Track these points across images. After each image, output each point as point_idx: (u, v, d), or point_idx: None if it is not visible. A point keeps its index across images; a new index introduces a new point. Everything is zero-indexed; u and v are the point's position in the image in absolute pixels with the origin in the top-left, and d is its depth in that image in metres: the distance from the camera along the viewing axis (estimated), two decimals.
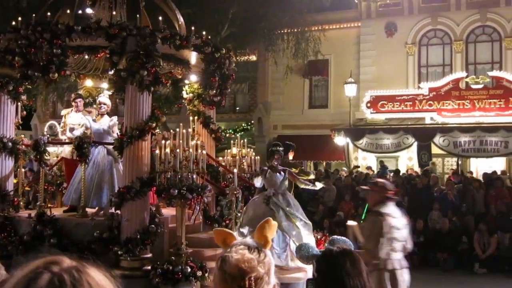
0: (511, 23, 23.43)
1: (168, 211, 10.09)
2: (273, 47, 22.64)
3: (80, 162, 9.44)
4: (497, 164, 22.63)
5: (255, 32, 21.59)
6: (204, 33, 9.77)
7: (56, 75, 8.80)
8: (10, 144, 9.57)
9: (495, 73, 22.52)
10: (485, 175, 19.18)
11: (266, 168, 9.68)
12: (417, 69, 24.89)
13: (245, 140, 11.48)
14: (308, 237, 9.28)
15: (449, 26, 24.43)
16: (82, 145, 9.22)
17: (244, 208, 9.60)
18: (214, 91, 9.97)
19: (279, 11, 20.88)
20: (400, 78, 24.48)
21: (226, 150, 11.30)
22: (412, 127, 22.30)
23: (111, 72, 9.21)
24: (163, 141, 8.84)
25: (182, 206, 8.51)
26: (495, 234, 15.04)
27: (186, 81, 10.69)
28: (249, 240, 2.48)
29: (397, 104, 23.39)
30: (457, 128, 21.59)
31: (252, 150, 12.36)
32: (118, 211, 8.92)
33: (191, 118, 10.68)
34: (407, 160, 23.74)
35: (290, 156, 10.53)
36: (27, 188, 11.13)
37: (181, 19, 10.33)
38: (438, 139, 21.61)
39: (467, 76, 22.81)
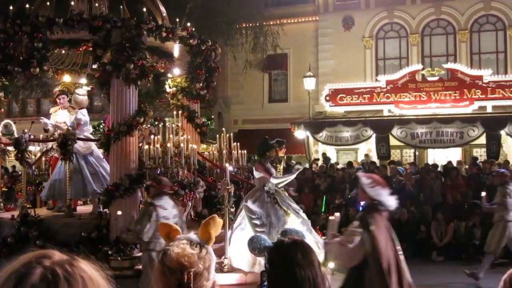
0: (465, 16, 23.92)
1: None
2: (231, 41, 22.59)
3: (64, 160, 9.13)
4: (453, 155, 23.12)
5: (213, 27, 21.49)
6: (189, 24, 9.55)
7: (38, 69, 8.47)
8: None
9: (450, 65, 22.95)
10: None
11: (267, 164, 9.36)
12: (374, 62, 25.19)
13: (231, 134, 11.26)
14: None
15: (405, 19, 24.79)
16: (66, 142, 8.90)
17: (242, 206, 9.34)
18: (201, 84, 9.81)
19: (237, 5, 20.85)
20: (358, 71, 24.74)
21: (211, 145, 11.07)
22: (371, 120, 22.59)
23: (95, 66, 8.95)
24: (152, 137, 8.67)
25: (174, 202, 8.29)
26: (452, 222, 15.36)
27: (169, 75, 10.51)
28: (192, 235, 2.45)
29: (355, 97, 23.64)
30: (414, 119, 21.95)
31: (212, 145, 12.23)
32: (106, 210, 8.73)
33: (174, 112, 10.43)
34: (366, 152, 24.03)
35: (281, 153, 10.25)
36: (4, 189, 10.75)
37: (164, 11, 10.04)
38: (396, 130, 21.95)
39: (423, 69, 23.16)
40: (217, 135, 10.88)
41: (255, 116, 25.85)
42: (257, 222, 9.08)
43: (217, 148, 10.56)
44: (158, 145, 8.58)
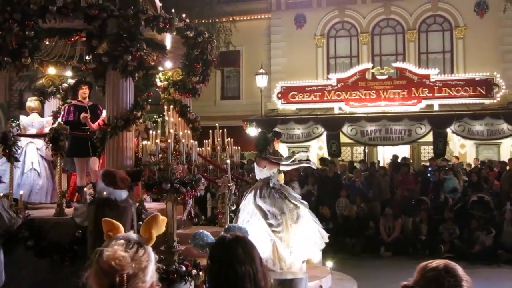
0: (413, 16, 24.46)
1: (151, 206, 9.58)
2: None
3: (55, 156, 8.71)
4: (402, 152, 23.62)
5: None
6: (184, 15, 9.22)
7: (29, 60, 8.01)
8: None
9: (399, 64, 23.40)
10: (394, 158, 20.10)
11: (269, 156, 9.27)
12: (325, 60, 25.48)
13: (225, 130, 11.02)
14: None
15: (355, 18, 25.17)
16: (58, 137, 8.47)
17: (244, 203, 9.16)
18: (198, 78, 9.54)
19: (188, 1, 20.76)
20: (309, 69, 24.97)
21: (204, 141, 10.81)
22: (322, 117, 22.84)
23: (88, 57, 8.54)
24: (151, 132, 8.43)
25: (174, 200, 7.99)
26: (399, 218, 15.73)
27: (160, 68, 10.16)
28: (132, 234, 2.48)
29: (307, 95, 23.85)
30: (364, 117, 22.33)
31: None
32: None
33: (165, 107, 10.02)
34: (317, 150, 24.34)
35: (277, 145, 9.97)
36: None
37: (158, 1, 9.59)
38: (346, 128, 22.27)
39: (372, 67, 23.53)
40: (210, 131, 10.80)
41: (208, 113, 25.53)
42: (273, 222, 8.95)
43: (210, 144, 10.46)
44: (158, 141, 8.23)
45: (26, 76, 24.96)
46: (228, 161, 9.04)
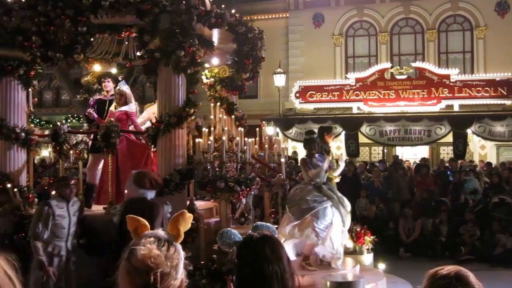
0: (433, 16, 24.30)
1: (199, 205, 9.22)
2: None
3: (107, 153, 8.47)
4: (421, 152, 23.50)
5: None
6: (233, 11, 9.12)
7: (82, 56, 7.93)
8: (23, 134, 8.50)
9: (418, 64, 23.25)
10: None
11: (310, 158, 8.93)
12: (344, 60, 25.34)
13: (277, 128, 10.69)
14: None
15: (374, 18, 25.02)
16: (109, 134, 8.24)
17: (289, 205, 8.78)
18: (248, 74, 9.37)
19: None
20: (328, 69, 24.83)
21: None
22: (340, 117, 22.69)
23: (139, 54, 8.35)
24: (205, 129, 8.21)
25: (227, 199, 7.91)
26: (419, 219, 15.55)
27: (206, 65, 9.94)
28: (160, 232, 2.43)
29: (325, 94, 23.71)
30: (383, 117, 22.19)
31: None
32: None
33: (212, 104, 9.91)
34: (335, 149, 24.13)
35: (330, 140, 9.66)
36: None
37: None
38: (364, 128, 22.12)
39: (391, 67, 23.39)
40: (256, 129, 10.54)
41: None
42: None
43: (257, 142, 10.14)
44: (212, 138, 8.08)
45: (46, 75, 24.86)
46: (283, 160, 8.82)
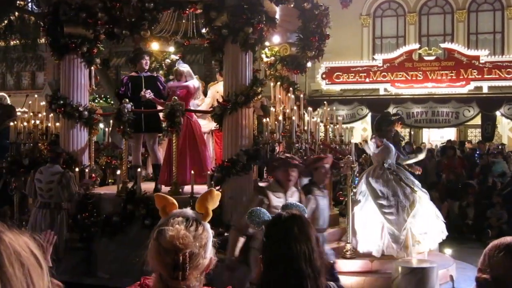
0: None
1: None
2: None
3: (171, 133, 8.30)
4: (448, 134, 23.28)
5: None
6: None
7: (149, 33, 7.80)
8: (86, 113, 8.44)
9: (447, 45, 22.90)
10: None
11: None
12: (371, 41, 25.00)
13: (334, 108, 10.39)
14: None
15: None
16: (174, 113, 8.05)
17: (360, 185, 8.72)
18: (313, 52, 9.14)
19: None
20: (355, 50, 24.48)
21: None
22: (367, 98, 22.47)
23: (204, 31, 8.19)
24: (272, 109, 7.98)
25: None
26: (446, 202, 15.40)
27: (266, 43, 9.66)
28: (189, 211, 2.45)
29: (352, 75, 23.43)
30: (410, 99, 21.96)
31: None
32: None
33: (272, 84, 9.63)
34: (361, 131, 23.95)
35: (399, 128, 9.53)
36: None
37: None
38: (391, 110, 21.82)
39: (420, 48, 23.07)
40: (318, 110, 10.28)
41: None
42: (384, 202, 8.58)
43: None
44: (280, 118, 7.85)
45: (40, 57, 24.59)
46: (353, 141, 8.60)
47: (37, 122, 8.56)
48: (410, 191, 8.68)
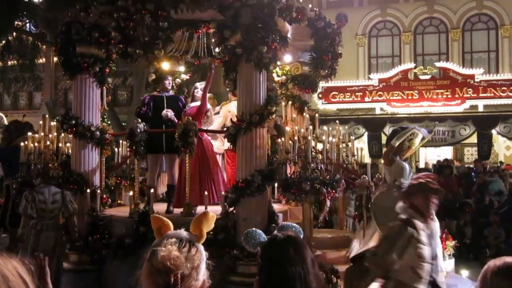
0: (457, 15, 24.19)
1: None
2: None
3: (184, 154, 8.14)
4: (445, 153, 23.36)
5: None
6: (310, 5, 8.69)
7: (162, 52, 7.68)
8: (98, 133, 8.28)
9: (442, 64, 23.12)
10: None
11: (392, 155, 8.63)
12: (367, 60, 25.20)
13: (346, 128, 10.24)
14: None
15: (398, 17, 24.88)
16: (187, 133, 7.93)
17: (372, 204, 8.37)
18: (326, 71, 9.01)
19: None
20: (351, 69, 24.61)
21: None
22: (363, 118, 22.53)
23: (217, 50, 8.08)
24: (287, 128, 7.88)
25: (311, 202, 7.62)
26: (443, 221, 15.34)
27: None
28: (183, 232, 2.48)
29: (348, 95, 23.55)
30: (406, 118, 22.03)
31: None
32: (232, 209, 7.77)
33: (283, 103, 9.58)
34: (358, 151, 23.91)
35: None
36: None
37: None
38: (388, 129, 21.89)
39: (415, 67, 23.25)
40: (325, 128, 10.13)
41: None
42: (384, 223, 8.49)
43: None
44: (296, 138, 7.78)
45: (37, 77, 24.57)
46: (369, 161, 8.50)
47: (48, 142, 8.42)
48: None
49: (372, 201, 8.22)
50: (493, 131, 21.45)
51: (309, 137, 7.82)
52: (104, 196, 8.40)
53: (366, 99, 23.31)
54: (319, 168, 7.80)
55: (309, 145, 7.76)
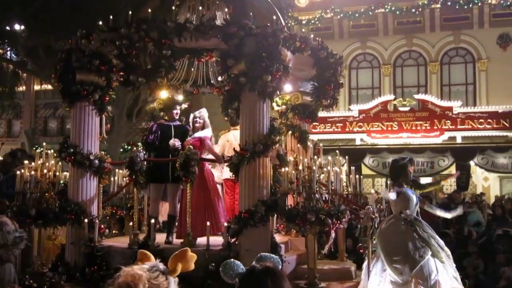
0: (436, 49, 24.56)
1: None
2: None
3: (185, 183, 8.02)
4: None
5: None
6: (312, 35, 8.68)
7: (165, 80, 7.64)
8: (96, 161, 8.14)
9: (421, 96, 23.32)
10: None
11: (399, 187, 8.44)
12: (347, 92, 25.33)
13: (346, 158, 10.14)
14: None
15: (377, 50, 25.17)
16: (189, 162, 7.83)
17: (376, 237, 8.36)
18: (328, 101, 9.00)
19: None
20: None
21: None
22: (343, 148, 22.56)
23: (220, 78, 8.00)
24: (290, 158, 7.78)
25: (315, 233, 7.51)
26: None
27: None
28: (159, 264, 2.59)
29: (328, 126, 23.61)
30: (386, 149, 22.13)
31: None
32: (233, 240, 7.67)
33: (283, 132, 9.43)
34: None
35: (411, 170, 9.09)
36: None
37: (282, 19, 9.13)
38: (368, 159, 22.02)
39: (394, 99, 23.44)
40: (329, 158, 10.03)
41: None
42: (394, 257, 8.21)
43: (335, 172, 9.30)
44: (300, 167, 7.68)
45: (51, 104, 24.43)
46: (372, 191, 8.47)
47: (45, 171, 8.23)
48: (420, 246, 8.17)
49: (378, 233, 8.19)
50: (471, 163, 21.64)
51: (314, 167, 7.74)
52: (102, 226, 8.16)
53: (346, 130, 23.39)
54: (324, 199, 7.73)
55: (314, 175, 7.68)
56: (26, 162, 8.39)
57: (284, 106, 9.78)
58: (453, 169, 21.63)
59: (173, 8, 8.86)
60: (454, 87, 24.64)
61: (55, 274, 7.81)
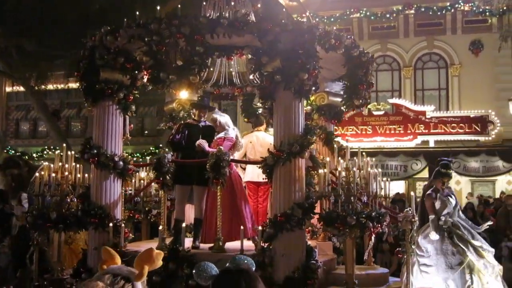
0: (409, 54, 24.76)
1: None
2: None
3: (215, 186, 7.59)
4: (397, 187, 23.69)
5: None
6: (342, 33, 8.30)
7: (197, 78, 7.22)
8: (121, 163, 7.70)
9: (395, 100, 23.54)
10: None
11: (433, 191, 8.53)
12: None
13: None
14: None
15: None
16: (219, 163, 7.43)
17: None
18: (360, 101, 8.66)
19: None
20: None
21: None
22: None
23: (251, 77, 7.73)
24: (327, 159, 7.55)
25: (355, 237, 7.26)
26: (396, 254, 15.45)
27: None
28: (123, 268, 2.56)
29: None
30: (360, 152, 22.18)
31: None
32: (266, 244, 7.32)
33: None
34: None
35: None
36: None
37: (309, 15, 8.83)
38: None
39: (369, 103, 23.60)
40: (354, 158, 9.78)
41: None
42: (423, 260, 8.28)
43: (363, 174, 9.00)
44: (340, 169, 7.42)
45: (23, 106, 23.58)
46: (412, 193, 8.32)
47: (66, 173, 7.81)
48: (456, 251, 8.26)
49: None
50: None
51: (354, 169, 7.54)
52: (126, 230, 7.74)
53: None
54: (363, 202, 7.55)
55: (355, 177, 7.44)
56: (45, 163, 7.97)
57: (309, 107, 9.41)
58: (426, 173, 21.85)
59: (203, 3, 8.52)
60: (428, 92, 24.89)
61: (77, 280, 7.42)
